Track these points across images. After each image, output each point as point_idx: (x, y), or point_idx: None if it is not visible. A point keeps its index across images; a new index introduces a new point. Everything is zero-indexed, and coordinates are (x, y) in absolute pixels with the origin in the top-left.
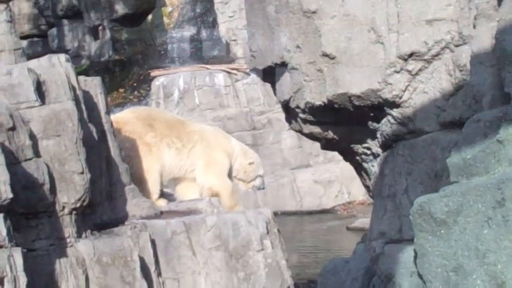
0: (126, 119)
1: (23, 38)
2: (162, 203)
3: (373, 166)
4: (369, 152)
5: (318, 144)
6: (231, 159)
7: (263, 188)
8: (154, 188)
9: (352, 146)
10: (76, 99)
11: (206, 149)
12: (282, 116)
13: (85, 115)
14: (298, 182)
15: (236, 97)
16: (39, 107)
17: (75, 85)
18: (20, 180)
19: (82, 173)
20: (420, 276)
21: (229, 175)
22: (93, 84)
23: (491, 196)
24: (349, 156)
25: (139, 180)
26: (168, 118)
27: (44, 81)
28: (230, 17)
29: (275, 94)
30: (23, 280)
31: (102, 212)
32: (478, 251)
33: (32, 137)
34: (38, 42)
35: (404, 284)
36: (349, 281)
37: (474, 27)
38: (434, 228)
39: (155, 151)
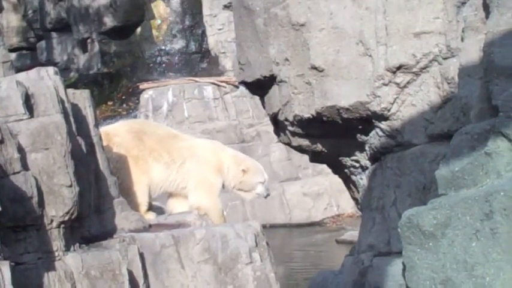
0: (116, 131)
1: (11, 50)
2: (151, 216)
3: (361, 179)
4: (357, 164)
5: (306, 157)
6: (223, 174)
7: (268, 195)
8: (142, 199)
9: (340, 158)
10: (65, 112)
11: (196, 166)
12: (270, 128)
13: (74, 128)
14: (287, 195)
15: (225, 110)
16: (28, 120)
17: (64, 98)
18: (8, 194)
19: (70, 186)
20: None
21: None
22: (82, 97)
23: (479, 209)
24: (338, 169)
25: (127, 193)
26: (160, 132)
27: (32, 94)
28: (219, 29)
29: (264, 107)
30: None
31: (90, 225)
32: (466, 263)
33: (20, 150)
34: (27, 55)
35: None
36: None
37: (462, 40)
38: (423, 240)
39: (142, 164)
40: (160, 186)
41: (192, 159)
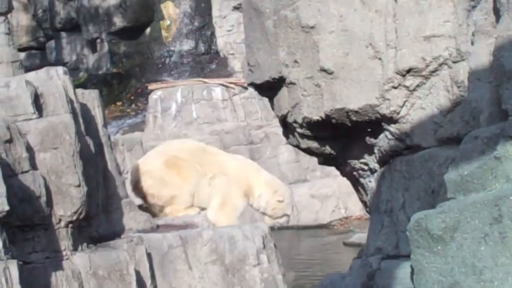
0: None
1: (21, 50)
2: (193, 212)
3: (370, 182)
4: (366, 167)
5: (315, 159)
6: (251, 197)
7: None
8: (186, 197)
9: (349, 161)
10: (73, 112)
11: (224, 184)
12: (279, 130)
13: (82, 128)
14: (295, 197)
15: (234, 111)
16: (37, 119)
17: (73, 98)
18: (17, 193)
19: (79, 185)
20: None
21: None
22: (91, 97)
23: (488, 213)
24: (346, 171)
25: (170, 199)
26: (192, 146)
27: (41, 93)
28: (228, 31)
29: (272, 109)
30: None
31: (98, 225)
32: (474, 267)
33: (29, 149)
34: (36, 54)
35: None
36: None
37: (472, 43)
38: (431, 244)
39: (183, 172)
40: (196, 197)
41: (222, 176)
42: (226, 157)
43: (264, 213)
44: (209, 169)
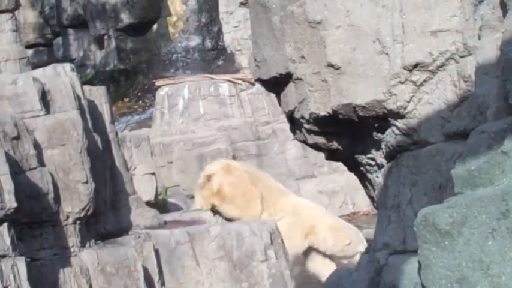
0: (236, 166)
1: (28, 47)
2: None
3: (377, 177)
4: (373, 162)
5: (322, 155)
6: (314, 240)
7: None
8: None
9: (356, 156)
10: (81, 109)
11: (290, 225)
12: (286, 126)
13: (90, 124)
14: (303, 192)
15: (241, 107)
16: (44, 116)
17: (80, 94)
18: (24, 190)
19: (86, 182)
20: (424, 287)
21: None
22: (98, 94)
23: (496, 207)
24: (354, 166)
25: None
26: (270, 184)
27: (48, 90)
28: (235, 27)
29: (279, 104)
30: None
31: (106, 221)
32: (482, 262)
33: (37, 146)
34: (43, 51)
35: None
36: None
37: (479, 38)
38: (439, 239)
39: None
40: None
41: (287, 218)
42: (292, 198)
43: (332, 255)
44: (281, 209)
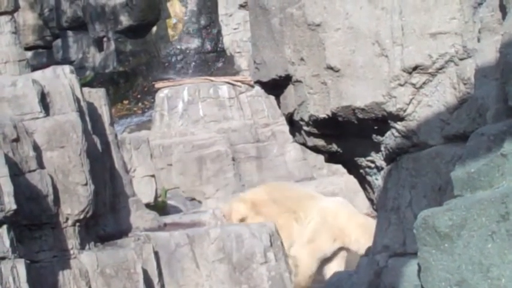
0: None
1: (27, 49)
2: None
3: (377, 179)
4: (372, 165)
5: (322, 157)
6: (345, 241)
7: None
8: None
9: (355, 159)
10: (80, 111)
11: (317, 227)
12: (286, 128)
13: (89, 126)
14: None
15: (240, 109)
16: (44, 118)
17: (80, 96)
18: (24, 192)
19: (86, 184)
20: None
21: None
22: (98, 96)
23: (495, 210)
24: (353, 169)
25: None
26: (297, 192)
27: (48, 92)
28: (234, 29)
29: (279, 107)
30: None
31: (105, 223)
32: (481, 265)
33: (36, 148)
34: (43, 53)
35: None
36: None
37: (478, 40)
38: (438, 242)
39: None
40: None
41: (318, 221)
42: (320, 201)
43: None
44: (310, 213)
